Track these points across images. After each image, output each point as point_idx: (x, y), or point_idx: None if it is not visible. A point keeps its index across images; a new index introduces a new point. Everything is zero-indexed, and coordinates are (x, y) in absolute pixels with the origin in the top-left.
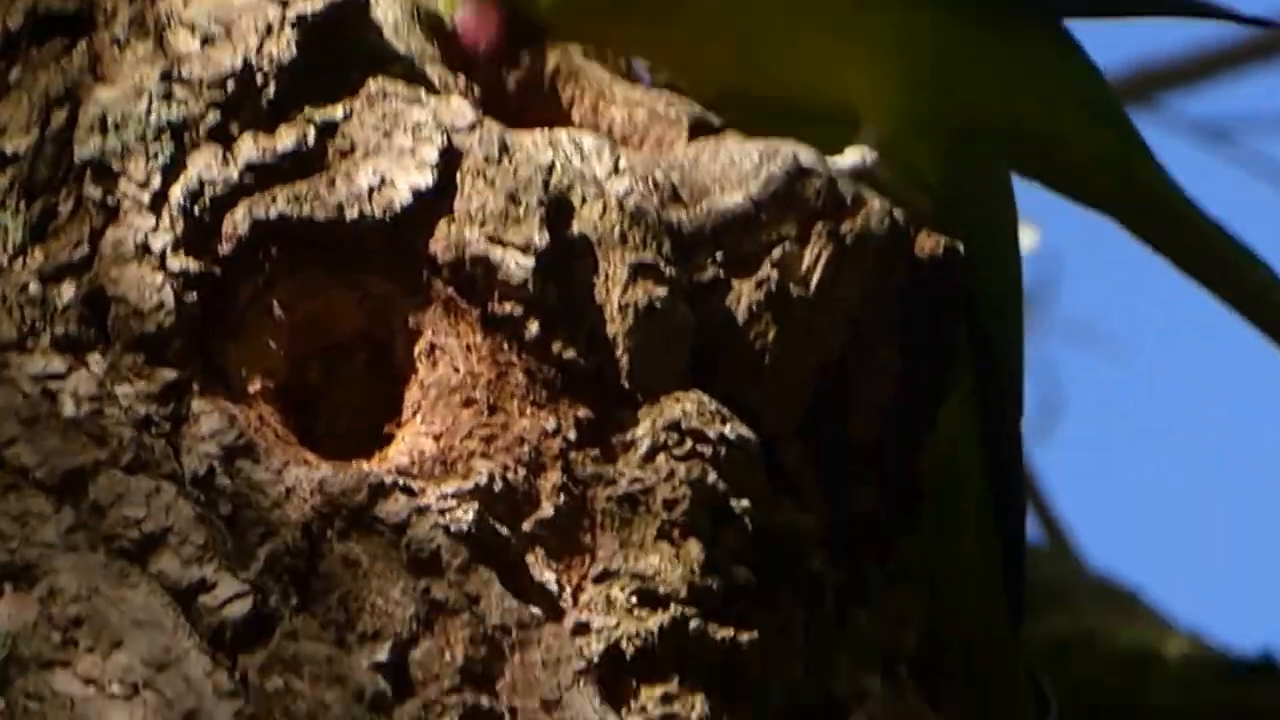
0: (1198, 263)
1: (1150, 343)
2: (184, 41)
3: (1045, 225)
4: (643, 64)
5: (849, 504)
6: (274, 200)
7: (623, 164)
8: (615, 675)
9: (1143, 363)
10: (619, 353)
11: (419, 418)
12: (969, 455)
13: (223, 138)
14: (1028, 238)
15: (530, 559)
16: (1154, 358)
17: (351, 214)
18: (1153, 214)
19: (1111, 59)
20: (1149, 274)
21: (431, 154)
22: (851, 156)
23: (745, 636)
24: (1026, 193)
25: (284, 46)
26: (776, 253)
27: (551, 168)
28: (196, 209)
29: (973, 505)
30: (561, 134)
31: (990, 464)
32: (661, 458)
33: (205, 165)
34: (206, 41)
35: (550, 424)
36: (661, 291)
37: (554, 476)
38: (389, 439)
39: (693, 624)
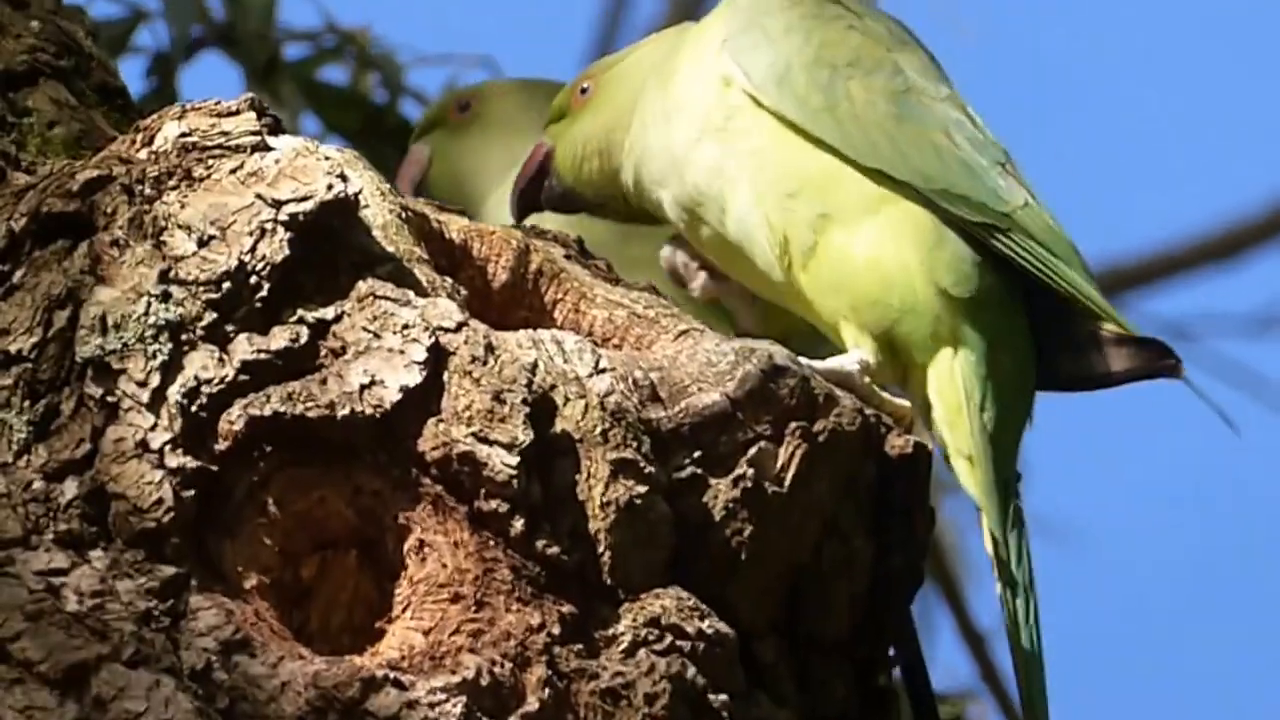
0: None
1: (1114, 536)
2: (181, 243)
3: None
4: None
5: (822, 700)
6: (268, 399)
7: (604, 364)
8: None
9: (1106, 556)
10: (601, 549)
11: (409, 613)
12: None
13: (218, 337)
14: None
15: None
16: (1117, 551)
17: (343, 412)
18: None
19: None
20: (1109, 471)
21: (420, 353)
22: (835, 360)
23: None
24: None
25: (277, 246)
26: (752, 450)
27: (535, 367)
28: (194, 407)
29: None
30: (544, 334)
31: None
32: (642, 653)
33: (202, 365)
34: (202, 243)
35: (535, 619)
36: (642, 489)
37: (539, 671)
38: (381, 633)
39: None
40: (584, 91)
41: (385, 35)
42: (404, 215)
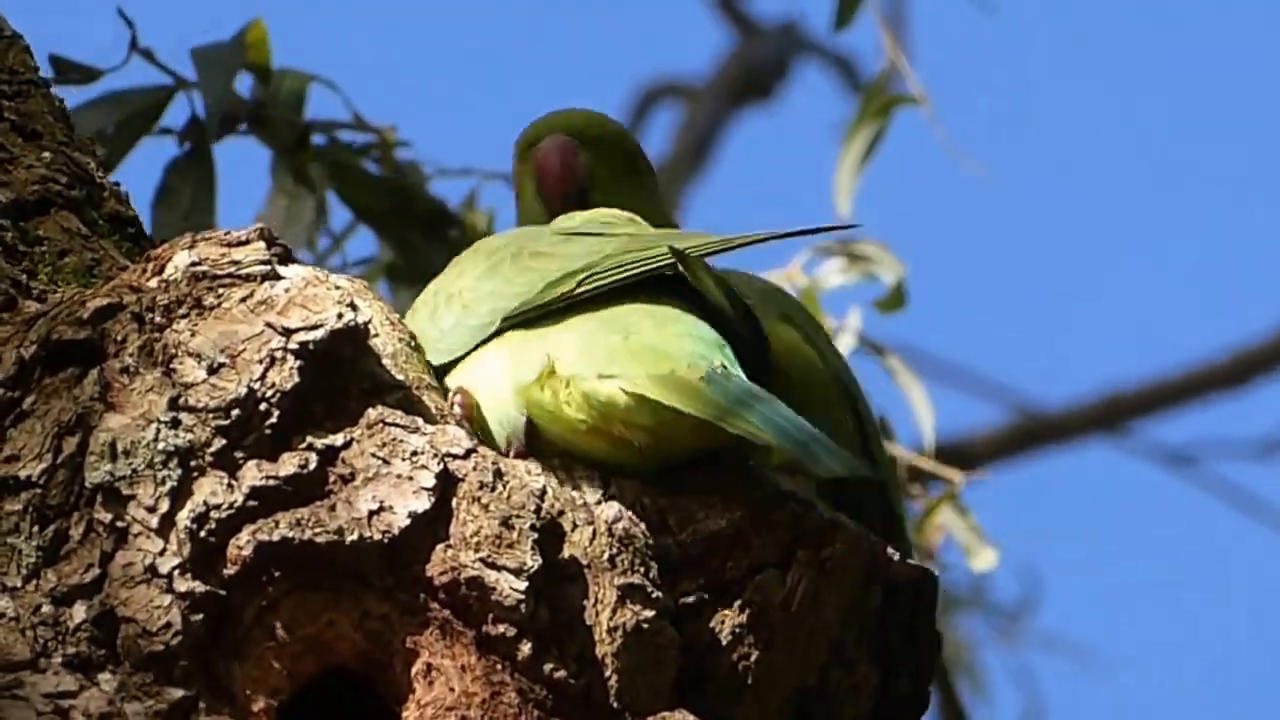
0: None
1: (1127, 653)
2: (191, 370)
3: (1027, 545)
4: None
5: None
6: (277, 524)
7: (612, 490)
8: None
9: (1120, 672)
10: (608, 673)
11: None
12: None
13: (228, 463)
14: (986, 559)
15: None
16: (1131, 668)
17: (351, 537)
18: None
19: (1082, 387)
20: (1124, 590)
21: (429, 480)
22: None
23: None
24: (995, 520)
25: (287, 374)
26: (759, 577)
27: (544, 493)
28: (203, 532)
29: None
30: (553, 460)
31: None
32: None
33: (211, 490)
34: (212, 370)
35: None
36: (649, 613)
37: None
38: None
39: None
40: None
41: (410, 141)
42: (413, 343)
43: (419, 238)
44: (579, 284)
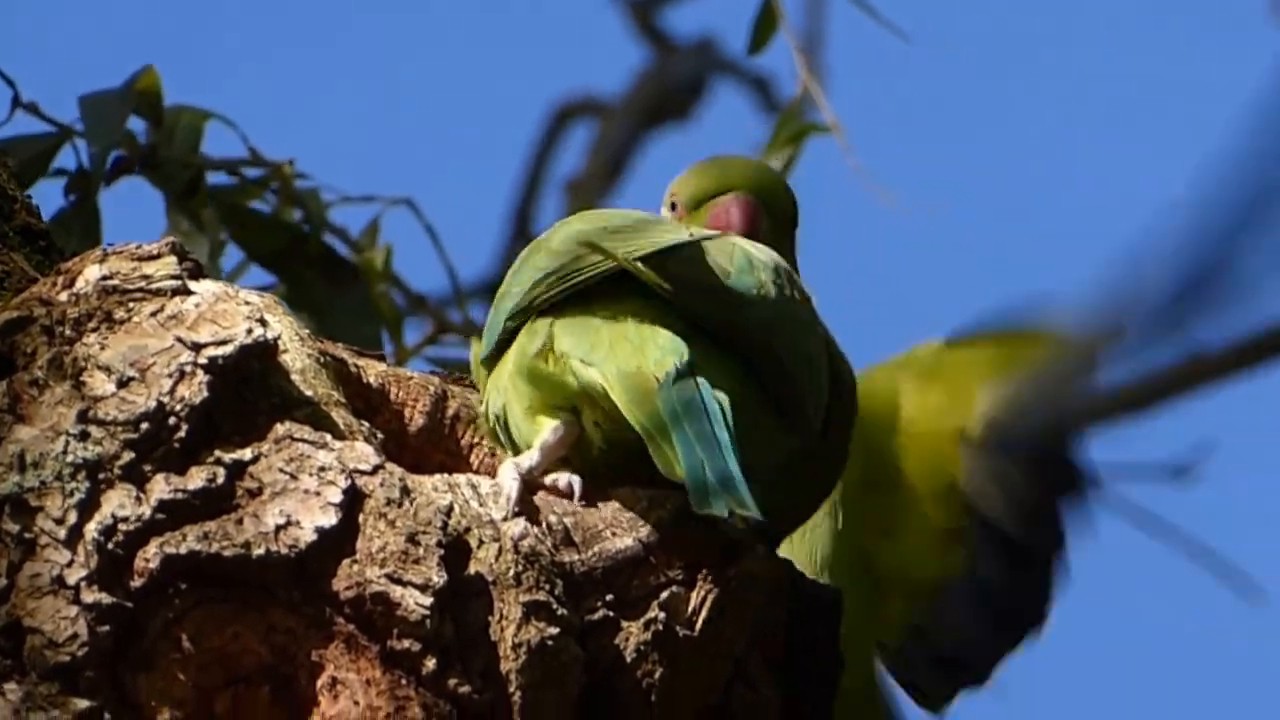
0: None
1: (1032, 678)
2: (100, 384)
3: None
4: None
5: None
6: (184, 537)
7: (518, 508)
8: None
9: (1028, 700)
10: (512, 689)
11: None
12: None
13: (136, 476)
14: None
15: None
16: (1038, 693)
17: (258, 552)
18: None
19: None
20: (1089, 648)
21: (336, 495)
22: None
23: None
24: None
25: (196, 389)
26: (664, 594)
27: (450, 510)
28: (110, 544)
29: None
30: (460, 478)
31: None
32: None
33: (119, 503)
34: (122, 384)
35: None
36: (553, 630)
37: None
38: None
39: None
40: None
41: (309, 173)
42: (322, 360)
43: (314, 277)
44: (537, 287)
